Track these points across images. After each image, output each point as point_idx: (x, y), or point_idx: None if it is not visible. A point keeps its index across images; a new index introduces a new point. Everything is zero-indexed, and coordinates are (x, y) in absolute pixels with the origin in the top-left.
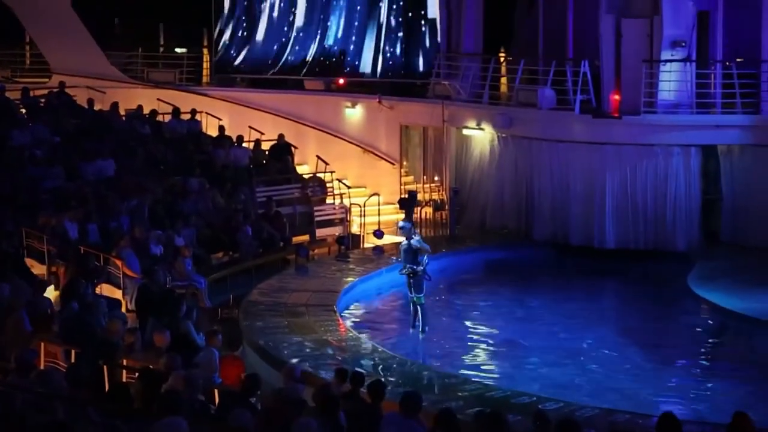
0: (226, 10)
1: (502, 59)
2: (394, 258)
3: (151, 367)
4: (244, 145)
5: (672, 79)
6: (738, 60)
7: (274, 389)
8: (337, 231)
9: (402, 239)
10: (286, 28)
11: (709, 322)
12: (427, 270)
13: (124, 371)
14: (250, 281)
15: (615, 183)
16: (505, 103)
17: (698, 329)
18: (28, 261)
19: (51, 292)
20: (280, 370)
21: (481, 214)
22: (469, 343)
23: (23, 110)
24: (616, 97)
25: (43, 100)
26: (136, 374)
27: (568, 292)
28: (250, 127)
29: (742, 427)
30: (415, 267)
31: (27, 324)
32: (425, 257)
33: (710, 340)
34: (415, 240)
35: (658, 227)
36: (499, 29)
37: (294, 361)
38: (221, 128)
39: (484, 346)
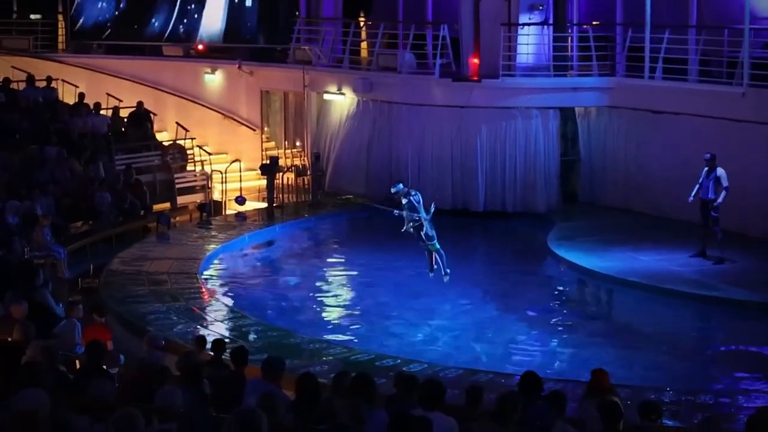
0: None
1: (361, 24)
2: (396, 211)
3: (9, 339)
4: (102, 112)
5: (530, 42)
6: (594, 23)
7: (137, 358)
8: (198, 198)
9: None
10: None
11: (567, 280)
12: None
13: None
14: (110, 250)
15: (476, 146)
16: (366, 68)
17: (556, 288)
18: None
19: None
20: (143, 339)
21: (341, 178)
22: (332, 307)
23: None
24: (475, 60)
25: None
26: None
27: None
28: (108, 95)
29: (600, 383)
30: (417, 217)
31: None
32: (432, 206)
33: (567, 299)
34: (414, 197)
35: (518, 188)
36: None
37: (156, 329)
38: (80, 95)
39: (347, 309)
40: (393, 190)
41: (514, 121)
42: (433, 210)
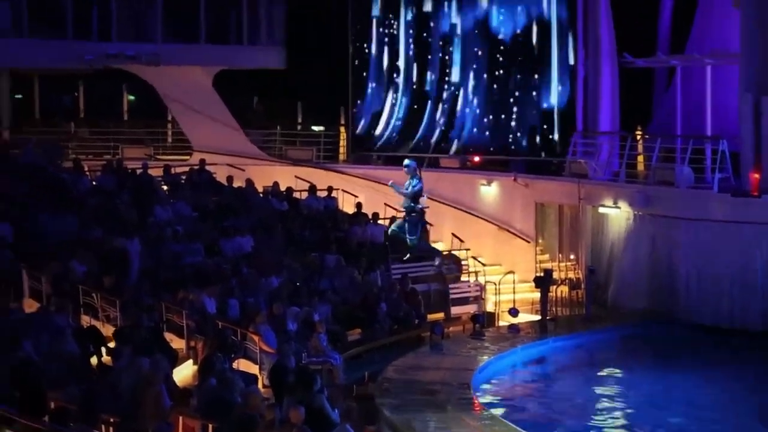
0: (366, 88)
1: (638, 137)
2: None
3: None
4: (380, 222)
5: None
6: None
7: None
8: (472, 309)
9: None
10: (420, 108)
11: None
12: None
13: None
14: (385, 358)
15: (756, 263)
16: (642, 182)
17: None
18: (168, 335)
19: (189, 367)
20: None
21: (618, 293)
22: (607, 427)
23: (165, 187)
24: (756, 175)
25: (184, 177)
26: None
27: (709, 374)
28: (386, 204)
29: None
30: (413, 206)
31: (166, 398)
32: (425, 198)
33: None
34: (415, 182)
35: None
36: (636, 107)
37: None
38: (358, 205)
39: (621, 426)
40: (405, 163)
41: None
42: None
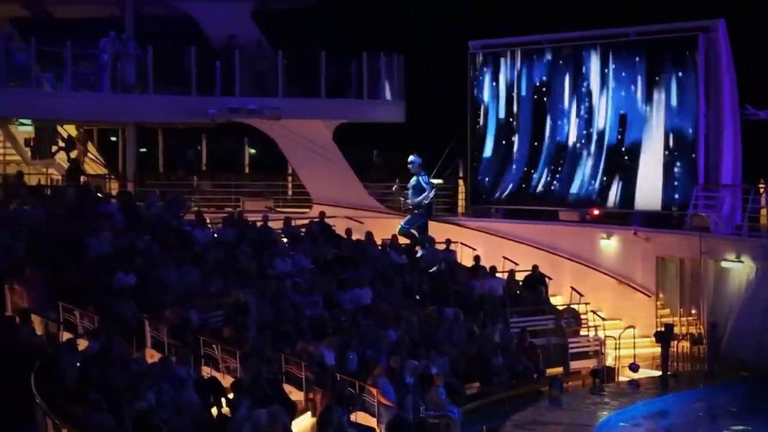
0: (484, 142)
1: (761, 190)
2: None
3: None
4: (498, 275)
5: None
6: None
7: None
8: (591, 363)
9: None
10: (538, 162)
11: None
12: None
13: None
14: (503, 412)
15: None
16: (766, 235)
17: None
18: (287, 387)
19: (308, 419)
20: None
21: (740, 349)
22: None
23: (285, 239)
24: None
25: (303, 230)
26: None
27: None
28: (505, 258)
29: None
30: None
31: None
32: (432, 193)
33: None
34: (422, 178)
35: None
36: (759, 159)
37: None
38: (476, 258)
39: None
40: (410, 159)
41: None
42: (432, 198)
